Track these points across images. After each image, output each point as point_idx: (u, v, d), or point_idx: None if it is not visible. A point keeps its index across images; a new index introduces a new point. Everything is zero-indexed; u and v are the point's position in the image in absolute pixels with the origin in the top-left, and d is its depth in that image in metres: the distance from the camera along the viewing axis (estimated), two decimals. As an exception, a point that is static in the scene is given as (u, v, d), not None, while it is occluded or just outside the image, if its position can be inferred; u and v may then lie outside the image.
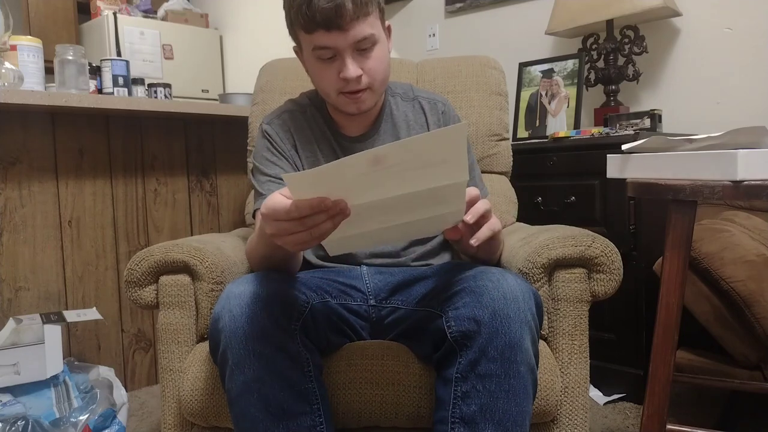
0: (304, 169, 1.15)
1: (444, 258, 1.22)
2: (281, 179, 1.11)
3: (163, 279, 1.09)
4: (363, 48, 1.02)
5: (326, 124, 1.19)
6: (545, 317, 1.04)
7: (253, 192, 1.19)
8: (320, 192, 0.73)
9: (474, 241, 0.90)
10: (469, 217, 0.88)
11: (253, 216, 1.15)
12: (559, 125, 1.99)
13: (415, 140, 0.68)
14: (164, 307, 1.09)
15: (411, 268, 1.15)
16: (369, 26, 1.01)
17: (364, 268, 1.13)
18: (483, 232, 0.90)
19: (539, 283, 1.04)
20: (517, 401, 0.84)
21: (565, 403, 1.02)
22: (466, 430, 0.83)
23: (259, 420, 0.85)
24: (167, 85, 2.19)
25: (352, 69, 1.01)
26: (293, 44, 1.12)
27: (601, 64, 2.06)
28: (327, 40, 1.00)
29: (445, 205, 0.83)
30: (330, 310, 1.00)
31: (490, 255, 1.08)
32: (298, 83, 1.49)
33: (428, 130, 1.18)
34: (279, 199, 0.77)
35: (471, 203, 0.88)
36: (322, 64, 1.04)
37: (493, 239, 0.95)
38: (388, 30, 1.11)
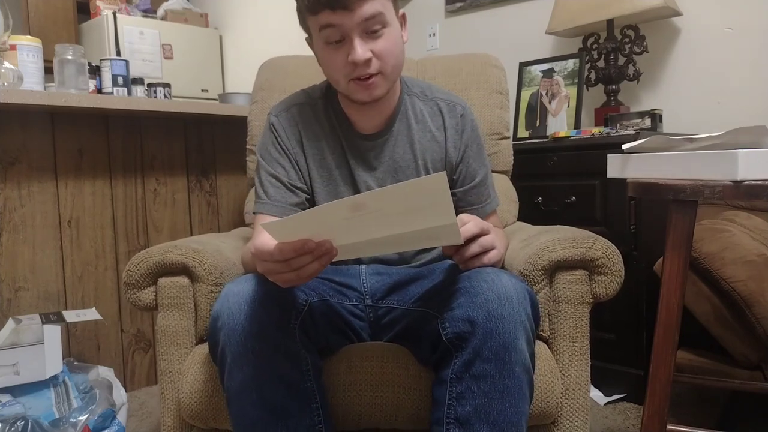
0: (307, 168, 1.12)
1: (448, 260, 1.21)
2: (281, 180, 1.11)
3: (162, 281, 1.09)
4: (372, 29, 0.97)
5: (337, 119, 1.13)
6: (546, 319, 1.04)
7: (253, 189, 1.17)
8: (303, 235, 0.75)
9: (462, 267, 0.94)
10: (459, 259, 0.93)
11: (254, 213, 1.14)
12: (559, 125, 1.99)
13: (394, 188, 0.69)
14: (163, 309, 1.08)
15: (408, 268, 1.14)
16: (378, 5, 0.95)
17: (363, 267, 1.12)
18: (474, 263, 0.93)
19: (540, 285, 1.03)
20: (512, 402, 0.84)
21: (565, 405, 1.02)
22: (461, 430, 0.83)
23: (257, 419, 0.85)
24: (167, 85, 2.19)
25: (361, 51, 0.96)
26: (305, 35, 1.07)
27: (601, 63, 2.05)
28: (333, 18, 0.95)
29: (437, 241, 0.87)
30: (329, 309, 1.00)
31: None
32: (298, 81, 1.48)
33: (445, 134, 1.14)
34: (267, 240, 0.79)
35: (471, 239, 0.91)
36: (330, 49, 0.99)
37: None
38: (402, 18, 1.05)
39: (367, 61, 0.97)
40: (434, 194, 0.70)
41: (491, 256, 0.93)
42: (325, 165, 1.12)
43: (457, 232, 0.83)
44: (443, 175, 0.68)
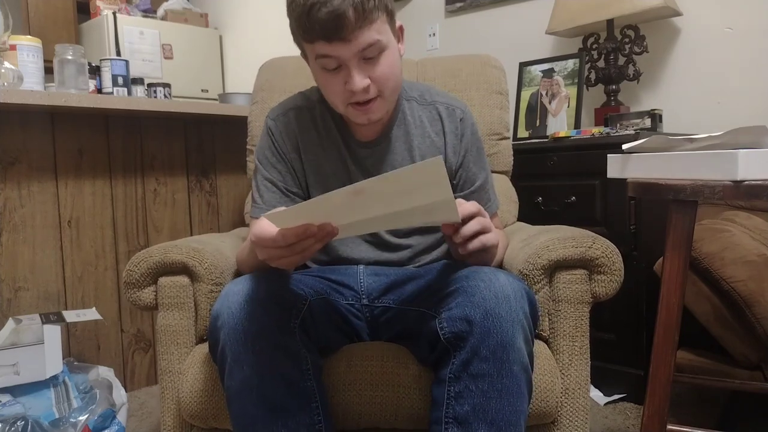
0: (304, 174, 1.13)
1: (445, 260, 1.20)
2: (277, 185, 1.11)
3: (162, 280, 1.09)
4: (369, 56, 0.95)
5: (336, 125, 1.12)
6: (546, 318, 1.04)
7: (251, 193, 1.18)
8: (304, 221, 0.76)
9: (461, 250, 0.92)
10: (459, 238, 0.90)
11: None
12: (559, 125, 1.99)
13: (393, 174, 0.69)
14: (163, 309, 1.08)
15: (405, 268, 1.14)
16: (375, 33, 0.94)
17: (361, 267, 1.12)
18: (474, 244, 0.91)
19: (540, 284, 1.03)
20: (510, 401, 0.83)
21: (565, 404, 1.02)
22: (460, 430, 0.83)
23: (257, 417, 0.85)
24: (167, 85, 2.19)
25: (358, 80, 0.95)
26: (299, 50, 1.06)
27: (601, 63, 2.05)
28: (329, 50, 0.93)
29: (435, 216, 0.86)
30: (329, 307, 1.00)
31: (480, 263, 1.02)
32: (298, 81, 1.48)
33: (445, 139, 1.13)
34: (266, 227, 0.80)
35: (469, 218, 0.89)
36: (327, 75, 0.98)
37: (485, 252, 0.95)
38: (399, 31, 1.04)
39: (366, 89, 0.97)
40: (432, 178, 0.71)
41: (489, 237, 0.91)
42: (323, 171, 1.12)
43: (455, 208, 0.83)
44: (440, 159, 0.68)
